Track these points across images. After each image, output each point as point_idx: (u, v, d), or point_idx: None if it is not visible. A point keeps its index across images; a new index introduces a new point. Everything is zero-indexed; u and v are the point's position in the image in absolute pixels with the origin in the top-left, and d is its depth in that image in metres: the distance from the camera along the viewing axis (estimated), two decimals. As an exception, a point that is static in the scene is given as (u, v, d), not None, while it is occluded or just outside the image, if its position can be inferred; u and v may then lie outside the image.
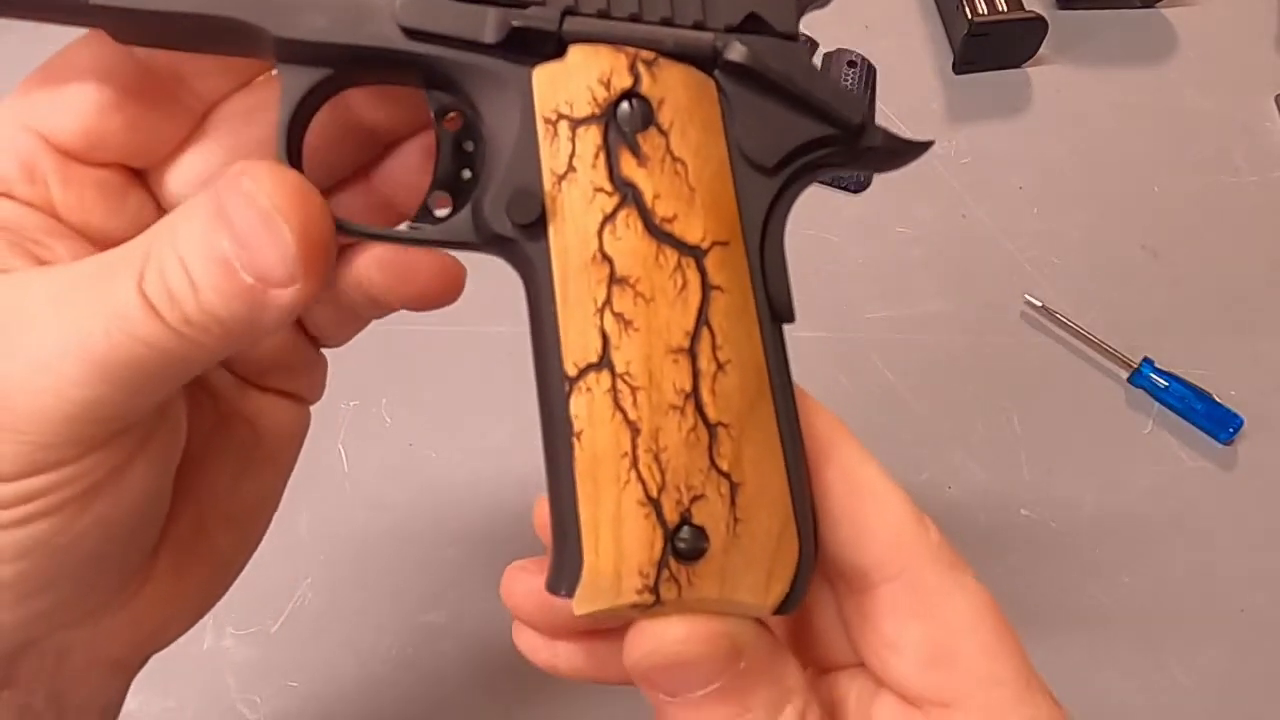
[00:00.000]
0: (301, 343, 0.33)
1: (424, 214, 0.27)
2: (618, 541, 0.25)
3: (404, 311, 0.31)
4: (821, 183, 0.69)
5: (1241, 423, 0.62)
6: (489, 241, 0.26)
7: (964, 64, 0.75)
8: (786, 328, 0.28)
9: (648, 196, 0.25)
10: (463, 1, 0.25)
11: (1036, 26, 0.74)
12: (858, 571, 0.27)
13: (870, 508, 0.27)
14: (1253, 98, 0.76)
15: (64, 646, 0.29)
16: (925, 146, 0.29)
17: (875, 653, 0.27)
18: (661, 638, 0.25)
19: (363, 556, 0.56)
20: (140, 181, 0.28)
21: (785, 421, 0.26)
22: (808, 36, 0.72)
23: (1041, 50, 0.75)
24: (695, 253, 0.25)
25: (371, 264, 0.28)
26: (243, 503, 0.32)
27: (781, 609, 0.26)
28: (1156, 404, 0.64)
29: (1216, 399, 0.62)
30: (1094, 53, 0.78)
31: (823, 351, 0.64)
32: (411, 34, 0.25)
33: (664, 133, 0.25)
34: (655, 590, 0.25)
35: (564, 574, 0.25)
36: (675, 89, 0.26)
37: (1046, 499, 0.60)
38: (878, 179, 0.70)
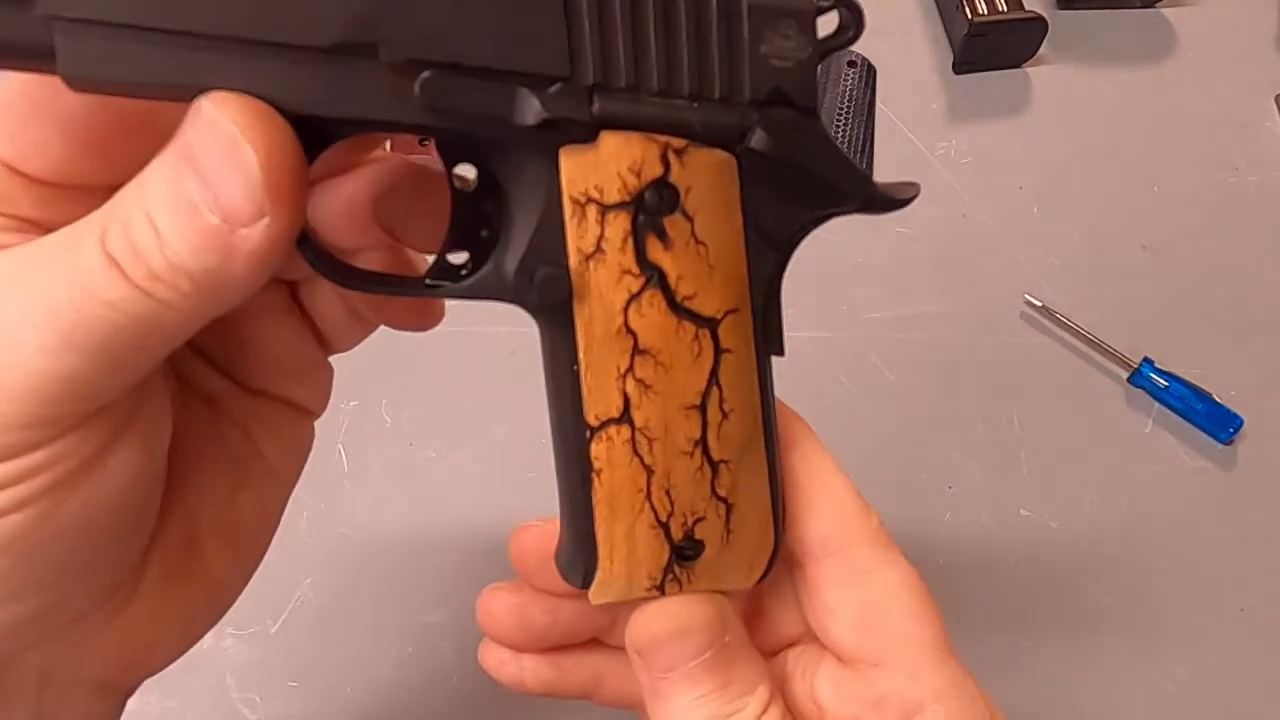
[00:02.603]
0: (306, 342, 0.32)
1: (442, 267, 0.27)
2: (631, 554, 0.28)
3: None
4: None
5: (1241, 423, 0.62)
6: (510, 301, 0.26)
7: (964, 64, 0.75)
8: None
9: (672, 278, 0.27)
10: (485, 78, 0.24)
11: (1036, 26, 0.74)
12: (807, 545, 0.31)
13: (821, 491, 0.31)
14: (1253, 98, 0.76)
15: (47, 666, 0.27)
16: (914, 195, 0.31)
17: (818, 618, 0.31)
18: (662, 609, 0.29)
19: (363, 556, 0.56)
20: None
21: (769, 440, 0.30)
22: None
23: (1041, 50, 0.75)
24: (710, 323, 0.27)
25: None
26: (238, 519, 0.31)
27: (757, 584, 0.31)
28: (1156, 404, 0.63)
29: (1216, 399, 0.62)
30: (1094, 53, 0.78)
31: (823, 351, 0.64)
32: (434, 109, 0.24)
33: (689, 218, 0.26)
34: (661, 587, 0.29)
35: (577, 568, 0.29)
36: (702, 175, 0.26)
37: (1046, 499, 0.60)
38: (878, 178, 0.70)
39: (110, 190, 0.24)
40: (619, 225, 0.26)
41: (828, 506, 0.30)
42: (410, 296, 0.28)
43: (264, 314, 0.31)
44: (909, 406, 0.63)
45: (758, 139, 0.26)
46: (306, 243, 0.25)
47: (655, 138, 0.26)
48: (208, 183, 0.22)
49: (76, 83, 0.21)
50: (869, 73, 0.72)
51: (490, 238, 0.27)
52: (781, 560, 0.32)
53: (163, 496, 0.28)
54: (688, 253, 0.27)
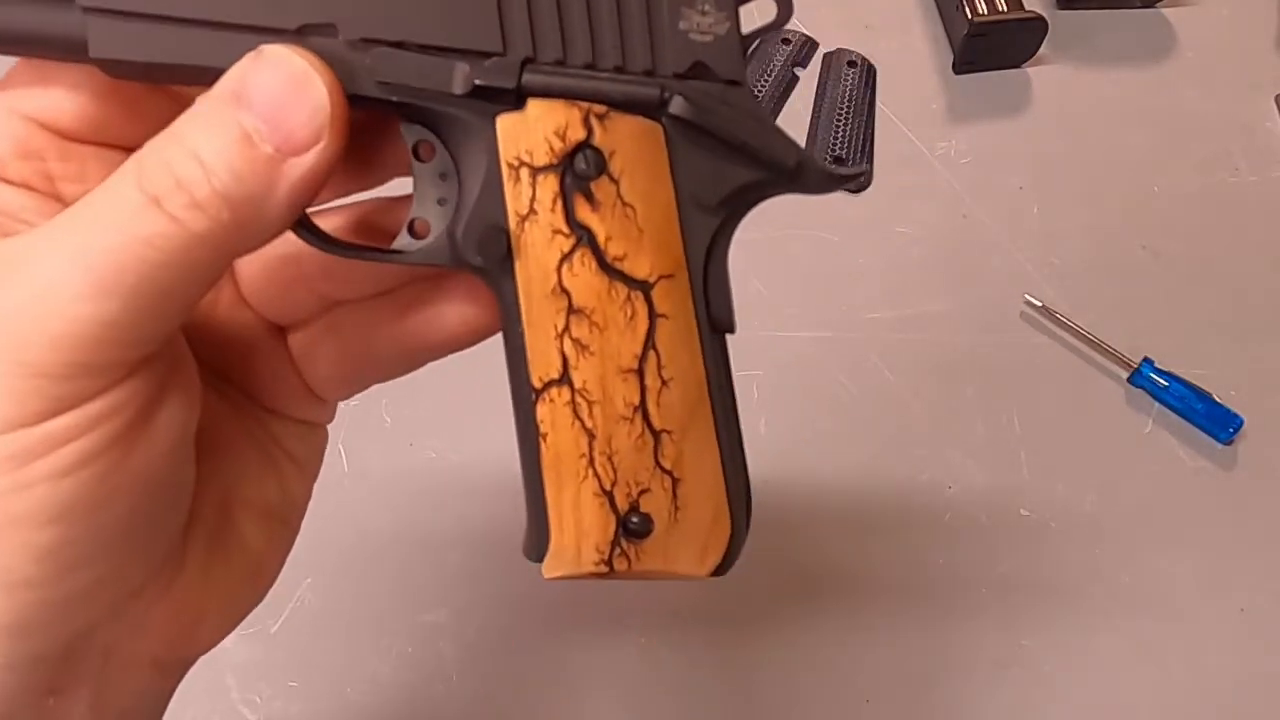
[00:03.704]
0: (298, 387, 0.33)
1: (404, 237, 0.30)
2: (578, 523, 0.29)
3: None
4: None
5: (1241, 423, 0.62)
6: (462, 266, 0.29)
7: (964, 64, 0.75)
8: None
9: (600, 238, 0.28)
10: (430, 54, 0.27)
11: (1036, 26, 0.74)
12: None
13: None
14: (1253, 98, 0.76)
15: (107, 645, 0.28)
16: (858, 175, 0.32)
17: None
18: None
19: (363, 556, 0.56)
20: None
21: (723, 420, 0.30)
22: (807, 36, 0.73)
23: (1041, 50, 0.75)
24: (643, 286, 0.29)
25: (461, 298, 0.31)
26: (268, 498, 0.33)
27: (715, 573, 0.31)
28: (1156, 404, 0.64)
29: (1216, 399, 0.62)
30: (1094, 53, 0.78)
31: (823, 351, 0.63)
32: (383, 83, 0.27)
33: (615, 180, 0.28)
34: (610, 563, 0.29)
35: (535, 544, 0.30)
36: (625, 140, 0.28)
37: (1046, 499, 0.60)
38: (878, 178, 0.70)
39: (128, 151, 0.27)
40: (549, 187, 0.28)
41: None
42: (372, 261, 0.30)
43: (258, 356, 0.33)
44: (909, 406, 0.63)
45: (676, 104, 0.28)
46: None
47: (578, 104, 0.28)
48: (264, 116, 0.24)
49: (106, 66, 0.25)
50: (869, 73, 0.72)
51: (446, 207, 0.29)
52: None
53: (196, 471, 0.29)
54: (615, 214, 0.28)
